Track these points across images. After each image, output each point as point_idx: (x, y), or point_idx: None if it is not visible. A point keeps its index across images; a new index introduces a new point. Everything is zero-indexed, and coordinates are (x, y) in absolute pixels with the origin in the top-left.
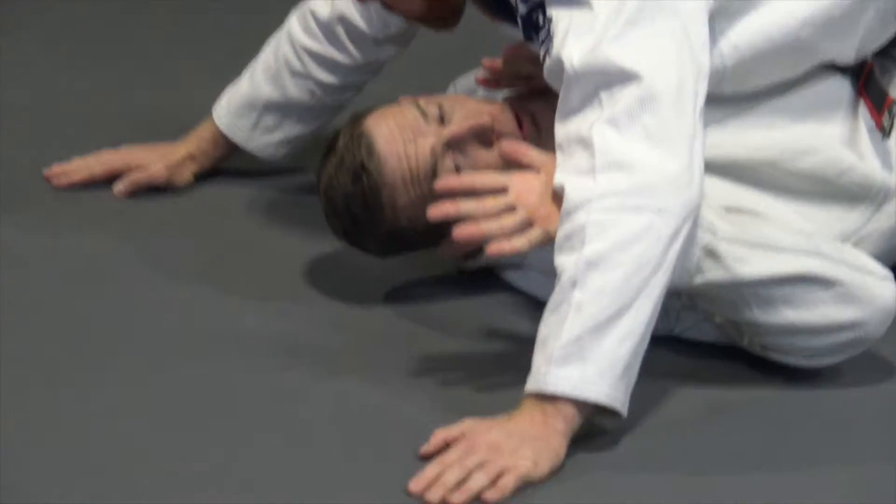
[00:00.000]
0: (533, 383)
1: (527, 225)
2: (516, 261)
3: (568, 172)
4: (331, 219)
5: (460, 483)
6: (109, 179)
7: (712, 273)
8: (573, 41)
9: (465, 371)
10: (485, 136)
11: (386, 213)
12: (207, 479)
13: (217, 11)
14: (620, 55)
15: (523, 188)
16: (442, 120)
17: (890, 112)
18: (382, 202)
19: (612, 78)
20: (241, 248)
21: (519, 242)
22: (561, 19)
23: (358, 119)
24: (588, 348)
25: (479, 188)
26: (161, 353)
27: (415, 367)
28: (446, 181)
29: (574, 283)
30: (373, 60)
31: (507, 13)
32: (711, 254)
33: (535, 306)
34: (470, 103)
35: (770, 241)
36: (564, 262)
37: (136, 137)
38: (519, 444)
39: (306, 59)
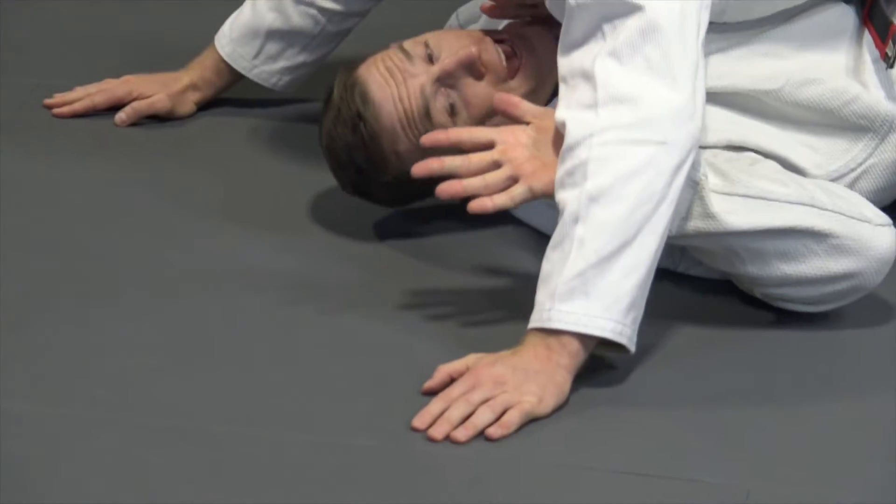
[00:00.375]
0: (536, 319)
1: (511, 181)
2: None
3: (570, 107)
4: (337, 172)
5: (465, 418)
6: (111, 109)
7: (701, 222)
8: None
9: (469, 306)
10: (474, 68)
11: (389, 159)
12: (210, 414)
13: None
14: None
15: (511, 143)
16: (430, 59)
17: (894, 41)
18: (384, 148)
19: (614, 9)
20: (245, 179)
21: (501, 200)
22: None
23: (350, 69)
24: (592, 283)
25: (465, 142)
26: (162, 287)
27: (419, 302)
28: (433, 135)
29: (576, 219)
30: None
31: None
32: (701, 200)
33: (539, 239)
34: (455, 38)
35: (761, 193)
36: (566, 197)
37: (138, 66)
38: (524, 379)
39: None
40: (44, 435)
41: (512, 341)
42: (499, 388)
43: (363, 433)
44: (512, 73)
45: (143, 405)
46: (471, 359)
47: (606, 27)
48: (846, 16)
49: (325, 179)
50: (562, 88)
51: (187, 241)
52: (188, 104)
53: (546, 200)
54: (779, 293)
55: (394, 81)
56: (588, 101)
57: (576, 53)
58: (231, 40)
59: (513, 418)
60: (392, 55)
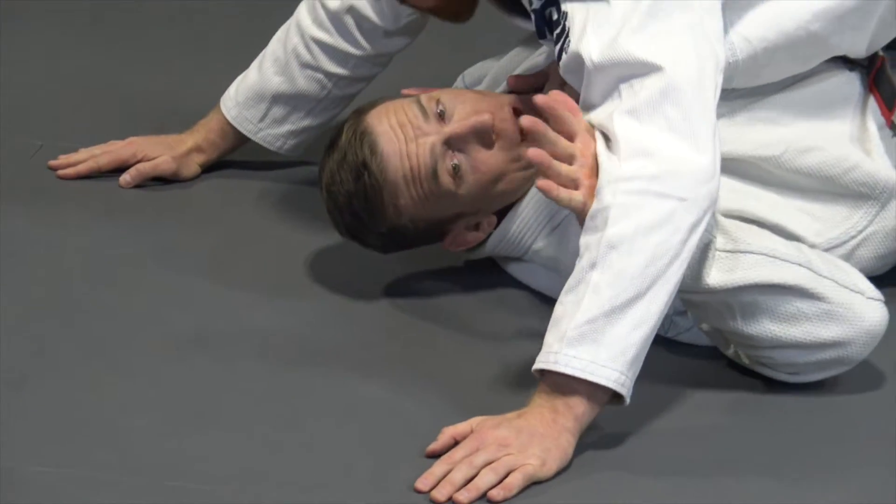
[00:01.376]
0: (543, 361)
1: (574, 184)
2: (519, 254)
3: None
4: (333, 214)
5: (468, 480)
6: (116, 170)
7: (705, 278)
8: (591, 35)
9: (469, 367)
10: (485, 136)
11: (388, 211)
12: (209, 475)
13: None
14: (640, 47)
15: (587, 147)
16: (442, 116)
17: None
18: (384, 200)
19: (632, 70)
20: (247, 241)
21: (563, 194)
22: (577, 13)
23: (360, 115)
24: (602, 331)
25: (557, 114)
26: (166, 348)
27: (420, 362)
28: (544, 98)
29: (594, 265)
30: (382, 52)
31: (520, 8)
32: (708, 260)
33: (539, 300)
34: (470, 99)
35: (762, 250)
36: (587, 241)
37: (143, 128)
38: (528, 441)
39: (316, 50)
40: (44, 494)
41: (512, 404)
42: (502, 450)
43: (364, 495)
44: (524, 138)
45: (142, 466)
46: (475, 421)
47: (623, 87)
48: (850, 83)
49: (327, 241)
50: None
51: (188, 302)
52: (192, 166)
53: (543, 264)
54: (766, 356)
55: (404, 136)
56: (611, 153)
57: (595, 115)
58: (237, 103)
59: (515, 481)
60: (407, 109)
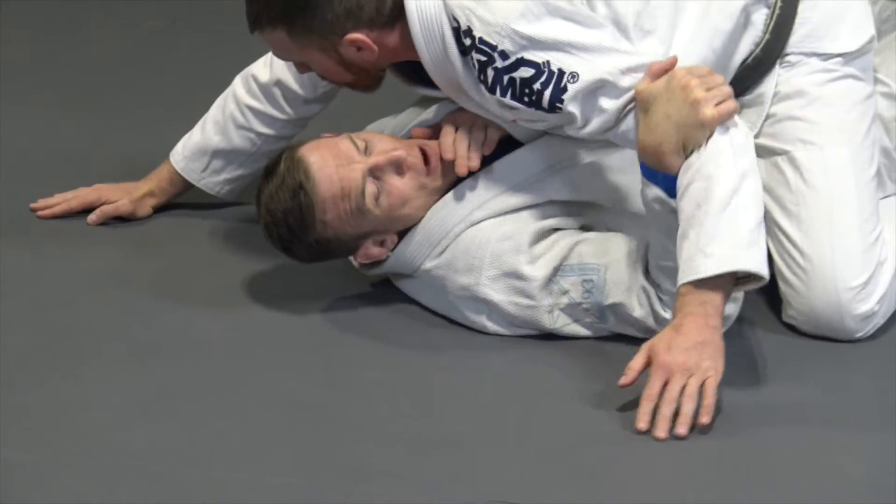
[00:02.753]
0: (726, 265)
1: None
2: (410, 271)
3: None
4: (269, 227)
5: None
6: (84, 211)
7: None
8: (599, 59)
9: (371, 365)
10: (399, 166)
11: (317, 226)
12: (172, 457)
13: (169, 73)
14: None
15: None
16: (367, 151)
17: None
18: (315, 216)
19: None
20: (191, 268)
21: (710, 400)
22: (560, 58)
23: (294, 149)
24: (760, 238)
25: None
26: (131, 354)
27: (337, 364)
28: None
29: (736, 191)
30: (302, 116)
31: (422, 79)
32: None
33: (422, 311)
34: (388, 139)
35: None
36: (718, 171)
37: (106, 176)
38: (699, 356)
39: (248, 114)
40: (39, 479)
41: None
42: (686, 374)
43: (284, 472)
44: (429, 173)
45: (114, 450)
46: (647, 348)
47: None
48: None
49: (257, 267)
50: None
51: (144, 316)
52: (146, 207)
53: (429, 282)
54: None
55: (335, 164)
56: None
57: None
58: (184, 157)
59: (711, 399)
60: (339, 143)
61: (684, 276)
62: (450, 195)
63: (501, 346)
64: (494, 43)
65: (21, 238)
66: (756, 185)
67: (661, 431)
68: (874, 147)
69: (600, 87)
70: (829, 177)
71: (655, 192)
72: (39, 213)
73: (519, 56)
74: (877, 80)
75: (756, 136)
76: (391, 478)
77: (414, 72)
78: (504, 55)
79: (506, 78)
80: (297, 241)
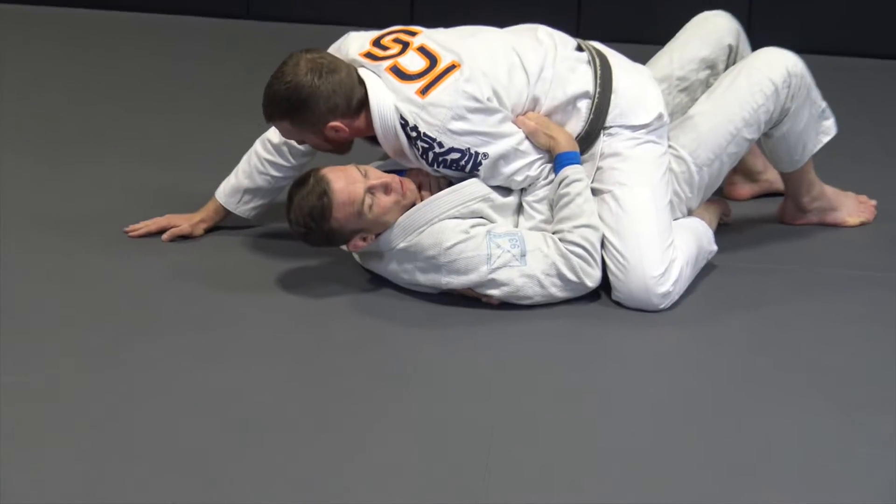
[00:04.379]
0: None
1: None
2: (386, 249)
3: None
4: (297, 219)
5: None
6: (160, 232)
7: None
8: (493, 143)
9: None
10: (387, 189)
11: (331, 220)
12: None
13: (212, 129)
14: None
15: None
16: (366, 176)
17: None
18: (332, 213)
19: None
20: (232, 267)
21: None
22: (469, 141)
23: (318, 170)
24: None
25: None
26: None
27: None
28: None
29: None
30: (301, 163)
31: (378, 143)
32: None
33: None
34: (377, 171)
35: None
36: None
37: (171, 208)
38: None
39: (266, 165)
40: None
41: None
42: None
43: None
44: (403, 195)
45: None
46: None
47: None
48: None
49: (279, 267)
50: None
51: (198, 310)
52: (200, 229)
53: (401, 257)
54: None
55: (347, 181)
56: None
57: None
58: (224, 194)
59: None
60: (350, 169)
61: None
62: (420, 205)
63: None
64: (434, 136)
65: (121, 249)
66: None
67: None
68: (668, 186)
69: (501, 158)
70: (637, 205)
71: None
72: (131, 233)
73: (450, 146)
74: (670, 146)
75: (591, 182)
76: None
77: (375, 140)
78: (441, 145)
79: (440, 158)
80: (316, 229)
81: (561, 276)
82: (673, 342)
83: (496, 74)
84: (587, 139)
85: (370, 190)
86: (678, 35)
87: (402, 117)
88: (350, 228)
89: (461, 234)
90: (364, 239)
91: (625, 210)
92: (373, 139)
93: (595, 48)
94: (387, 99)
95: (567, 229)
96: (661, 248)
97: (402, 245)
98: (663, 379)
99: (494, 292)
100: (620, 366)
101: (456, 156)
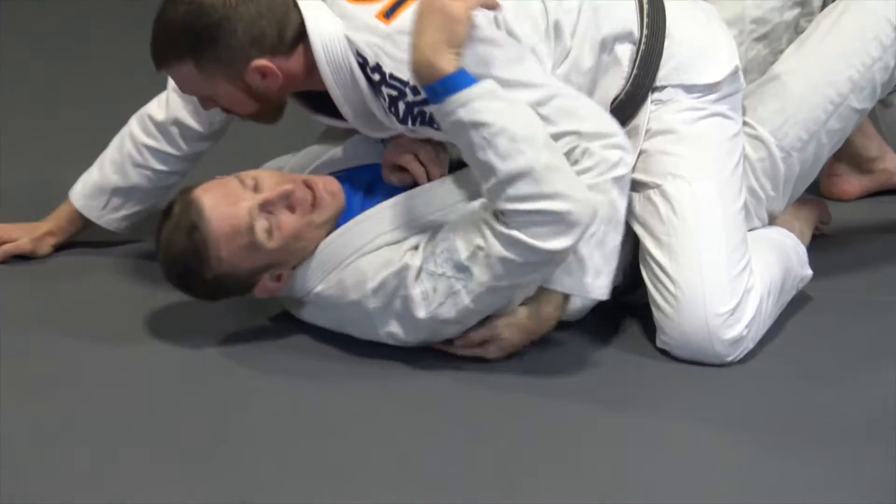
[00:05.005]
0: (572, 288)
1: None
2: (301, 295)
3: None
4: (167, 266)
5: None
6: None
7: None
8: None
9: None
10: (289, 202)
11: (212, 263)
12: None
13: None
14: (538, 80)
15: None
16: (256, 188)
17: None
18: (210, 254)
19: (542, 99)
20: (90, 304)
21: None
22: None
23: (187, 192)
24: (609, 263)
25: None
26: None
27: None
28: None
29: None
30: (196, 151)
31: (326, 108)
32: None
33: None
34: (276, 175)
35: None
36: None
37: (7, 216)
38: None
39: (145, 153)
40: None
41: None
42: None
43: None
44: (315, 207)
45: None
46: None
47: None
48: None
49: (156, 299)
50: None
51: (41, 345)
52: (46, 246)
53: (326, 304)
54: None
55: (225, 202)
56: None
57: None
58: (83, 195)
59: (480, 336)
60: (228, 182)
61: (558, 284)
62: (343, 229)
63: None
64: (405, 78)
65: None
66: (612, 210)
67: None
68: (741, 182)
69: None
70: (698, 208)
71: (452, 116)
72: None
73: None
74: (744, 121)
75: (632, 171)
76: None
77: (318, 102)
78: (415, 90)
79: (415, 109)
80: (194, 279)
81: (518, 267)
82: (747, 419)
83: None
84: (628, 104)
85: (265, 207)
86: None
87: (357, 53)
88: (247, 268)
89: (388, 266)
90: (277, 278)
91: (679, 215)
92: (312, 97)
93: None
94: (333, 27)
95: (500, 197)
96: (730, 272)
97: (318, 288)
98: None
99: (457, 339)
100: (664, 461)
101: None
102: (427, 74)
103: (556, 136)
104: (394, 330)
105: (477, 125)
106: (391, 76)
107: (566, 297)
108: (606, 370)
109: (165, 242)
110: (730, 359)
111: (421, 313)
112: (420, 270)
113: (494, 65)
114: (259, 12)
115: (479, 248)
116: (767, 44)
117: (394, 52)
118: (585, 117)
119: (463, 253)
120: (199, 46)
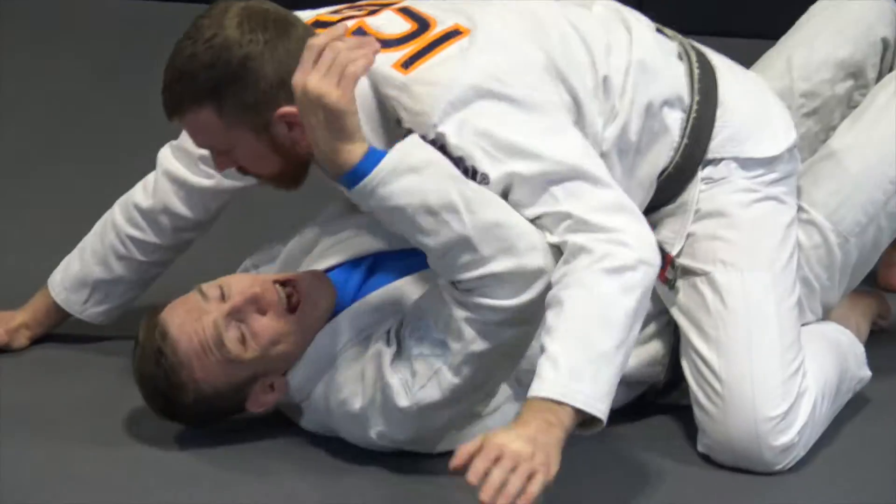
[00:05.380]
0: (547, 392)
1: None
2: (300, 399)
3: (567, 232)
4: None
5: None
6: None
7: None
8: (507, 158)
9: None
10: (259, 305)
11: (188, 386)
12: None
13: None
14: (558, 155)
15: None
16: (223, 297)
17: (673, 266)
18: (182, 378)
19: (558, 175)
20: (67, 406)
21: (534, 489)
22: (470, 149)
23: (153, 314)
24: (598, 372)
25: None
26: None
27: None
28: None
29: (585, 316)
30: (184, 241)
31: None
32: None
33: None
34: (244, 280)
35: None
36: (573, 294)
37: None
38: (534, 448)
39: (129, 245)
40: None
41: None
42: (517, 458)
43: None
44: (292, 309)
45: None
46: (483, 437)
47: (556, 189)
48: None
49: (129, 402)
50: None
51: (17, 453)
52: (21, 339)
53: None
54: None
55: (190, 318)
56: (579, 238)
57: (529, 210)
58: (64, 288)
59: (534, 488)
60: (190, 298)
61: (548, 390)
62: (331, 324)
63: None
64: (422, 133)
65: None
66: (623, 306)
67: (486, 496)
68: (795, 275)
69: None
70: (750, 301)
71: (366, 205)
72: None
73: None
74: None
75: (678, 255)
76: None
77: None
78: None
79: None
80: (176, 407)
81: (492, 328)
82: None
83: (540, 43)
84: (676, 177)
85: (234, 315)
86: (799, 24)
87: (379, 103)
88: (230, 384)
89: (361, 357)
90: (271, 387)
91: (728, 307)
92: None
93: (683, 39)
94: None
95: (446, 270)
96: (783, 373)
97: (316, 392)
98: None
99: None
100: None
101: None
102: (333, 170)
103: (552, 215)
104: (381, 429)
105: (391, 210)
106: (409, 132)
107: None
108: (642, 477)
109: (139, 374)
110: (779, 467)
111: (403, 402)
112: (394, 356)
113: (506, 127)
114: (289, 50)
115: (449, 317)
116: (818, 119)
117: (409, 104)
118: (591, 203)
119: (435, 328)
120: (221, 89)
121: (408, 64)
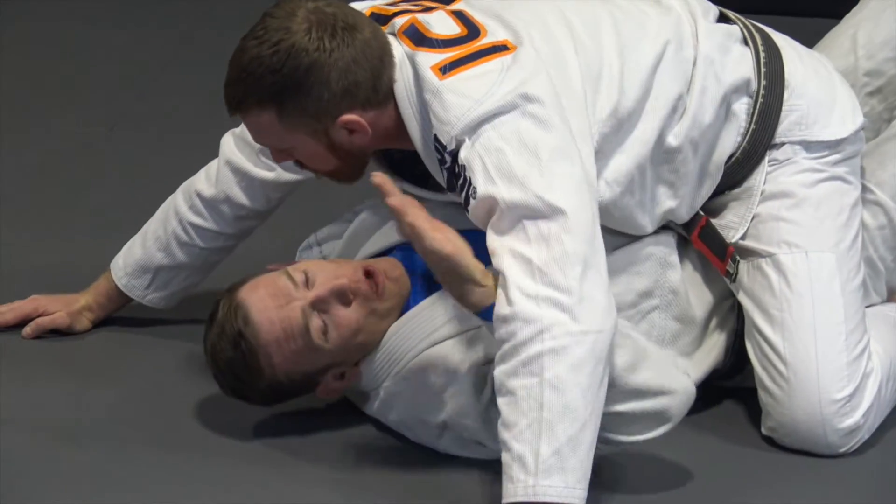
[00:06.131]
0: (521, 494)
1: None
2: (370, 388)
3: (515, 288)
4: (217, 377)
5: None
6: (21, 323)
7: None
8: (499, 180)
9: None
10: (343, 297)
11: (265, 371)
12: None
13: (107, 181)
14: (545, 191)
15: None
16: (307, 283)
17: (734, 259)
18: (261, 363)
19: (537, 211)
20: (131, 394)
21: None
22: (473, 162)
23: (233, 291)
24: (566, 460)
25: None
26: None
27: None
28: None
29: (541, 406)
30: (245, 228)
31: (406, 171)
32: None
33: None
34: (329, 268)
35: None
36: (524, 384)
37: (43, 288)
38: None
39: (192, 232)
40: None
41: None
42: None
43: None
44: (377, 297)
45: None
46: None
47: (528, 224)
48: (656, 243)
49: (198, 389)
50: (498, 260)
51: (69, 437)
52: (84, 322)
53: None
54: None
55: (274, 304)
56: (531, 291)
57: (505, 239)
58: (126, 273)
59: None
60: (277, 280)
61: (514, 493)
62: (409, 315)
63: None
64: (444, 142)
65: None
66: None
67: None
68: (860, 255)
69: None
70: (815, 282)
71: None
72: None
73: (462, 162)
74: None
75: (742, 238)
76: None
77: (402, 164)
78: (452, 155)
79: (453, 181)
80: (248, 389)
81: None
82: None
83: (586, 56)
84: (744, 163)
85: (317, 306)
86: (864, 2)
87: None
88: (305, 371)
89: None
90: (341, 376)
91: (793, 289)
92: (394, 159)
93: (747, 21)
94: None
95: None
96: (849, 354)
97: (386, 383)
98: None
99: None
100: None
101: (457, 180)
102: (470, 311)
103: (517, 255)
104: (450, 448)
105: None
106: (435, 137)
107: None
108: (706, 460)
109: (212, 351)
110: (843, 450)
111: (483, 434)
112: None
113: (514, 147)
114: (354, 58)
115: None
116: (882, 98)
117: (438, 110)
118: (553, 254)
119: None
120: (284, 94)
121: (446, 69)
